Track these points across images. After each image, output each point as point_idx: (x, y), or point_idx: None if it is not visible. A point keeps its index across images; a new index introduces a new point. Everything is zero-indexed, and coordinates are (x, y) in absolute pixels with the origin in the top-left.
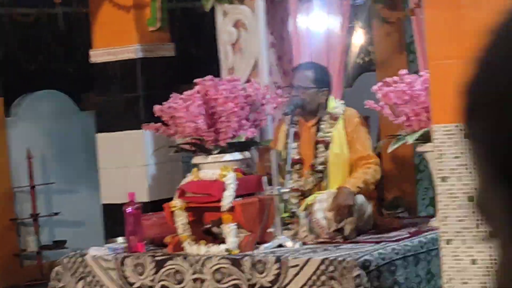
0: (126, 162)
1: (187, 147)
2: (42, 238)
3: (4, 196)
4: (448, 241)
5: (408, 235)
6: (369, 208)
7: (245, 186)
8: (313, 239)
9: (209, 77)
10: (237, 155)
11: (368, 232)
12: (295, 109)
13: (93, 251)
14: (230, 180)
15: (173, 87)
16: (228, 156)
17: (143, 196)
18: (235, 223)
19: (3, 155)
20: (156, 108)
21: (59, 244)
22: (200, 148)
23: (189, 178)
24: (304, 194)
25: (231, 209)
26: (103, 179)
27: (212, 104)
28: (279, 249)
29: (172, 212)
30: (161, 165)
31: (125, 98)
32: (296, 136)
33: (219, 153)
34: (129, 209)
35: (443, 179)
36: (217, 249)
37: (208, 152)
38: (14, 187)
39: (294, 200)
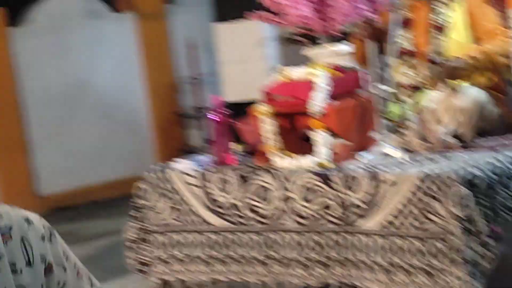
0: (246, 56)
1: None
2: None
3: (167, 88)
4: None
5: None
6: (495, 108)
7: (342, 85)
8: (425, 146)
9: None
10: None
11: (494, 135)
12: None
13: (177, 165)
14: (321, 79)
15: None
16: (340, 46)
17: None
18: (327, 130)
19: (164, 45)
20: None
21: None
22: (308, 38)
23: (276, 78)
24: (417, 92)
25: (323, 114)
26: (224, 74)
27: None
28: (381, 159)
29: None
30: (285, 56)
31: None
32: (409, 22)
33: (331, 43)
34: (214, 116)
35: None
36: (306, 161)
37: (317, 42)
38: (177, 78)
39: (405, 100)
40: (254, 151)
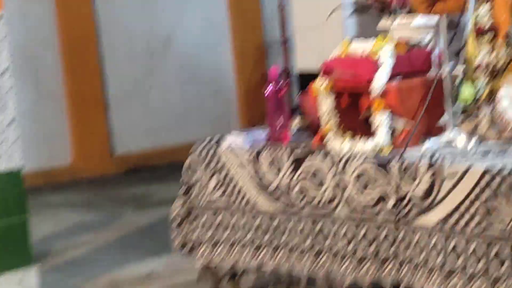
0: (320, 22)
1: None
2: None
3: (255, 50)
4: None
5: None
6: None
7: (408, 63)
8: (495, 135)
9: None
10: (432, 18)
11: None
12: None
13: (229, 139)
14: (385, 55)
15: None
16: (420, 19)
17: None
18: (388, 112)
19: (254, 5)
20: None
21: None
22: (384, 8)
23: (337, 52)
24: (495, 73)
25: (384, 93)
26: (298, 41)
27: None
28: (447, 148)
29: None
30: (364, 25)
31: None
32: None
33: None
34: (269, 89)
35: None
36: (364, 145)
37: (393, 13)
38: (266, 41)
39: (481, 81)
40: (314, 128)
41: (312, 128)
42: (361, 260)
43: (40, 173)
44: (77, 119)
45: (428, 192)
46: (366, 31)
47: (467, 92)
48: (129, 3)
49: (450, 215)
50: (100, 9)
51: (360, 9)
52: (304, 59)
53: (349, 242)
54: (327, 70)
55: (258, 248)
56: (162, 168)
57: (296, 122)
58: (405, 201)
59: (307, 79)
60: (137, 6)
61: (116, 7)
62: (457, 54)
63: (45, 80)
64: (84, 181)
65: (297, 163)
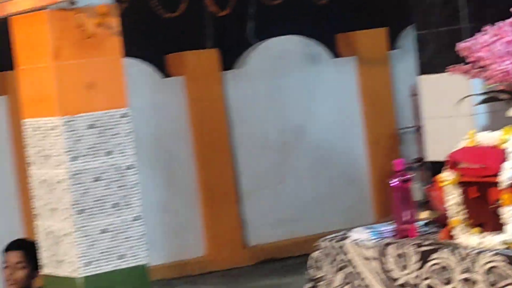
0: (451, 111)
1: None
2: None
3: (388, 138)
4: None
5: None
6: None
7: None
8: None
9: None
10: None
11: None
12: None
13: (355, 234)
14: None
15: None
16: None
17: None
18: None
19: (386, 93)
20: (460, 45)
21: None
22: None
23: (464, 143)
24: None
25: None
26: (428, 131)
27: None
28: None
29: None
30: (495, 114)
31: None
32: None
33: None
34: (394, 182)
35: None
36: (493, 239)
37: None
38: (399, 128)
39: None
40: (443, 221)
41: (441, 221)
42: None
43: (173, 266)
44: (210, 211)
45: None
46: (497, 120)
47: None
48: (261, 95)
49: None
50: (232, 101)
51: (490, 98)
52: (435, 149)
53: None
54: (453, 162)
55: None
56: (296, 260)
57: (424, 215)
58: None
59: (438, 169)
60: (268, 97)
61: (248, 99)
62: None
63: (177, 172)
64: (216, 273)
65: (424, 258)
